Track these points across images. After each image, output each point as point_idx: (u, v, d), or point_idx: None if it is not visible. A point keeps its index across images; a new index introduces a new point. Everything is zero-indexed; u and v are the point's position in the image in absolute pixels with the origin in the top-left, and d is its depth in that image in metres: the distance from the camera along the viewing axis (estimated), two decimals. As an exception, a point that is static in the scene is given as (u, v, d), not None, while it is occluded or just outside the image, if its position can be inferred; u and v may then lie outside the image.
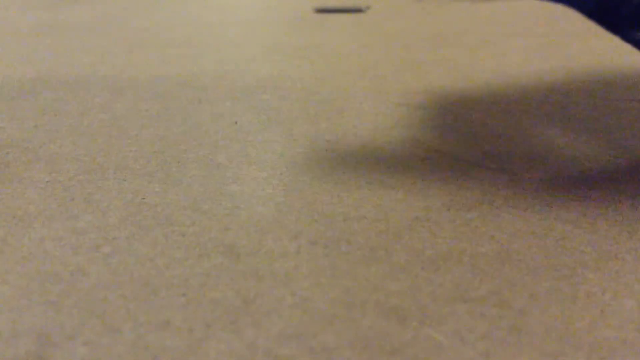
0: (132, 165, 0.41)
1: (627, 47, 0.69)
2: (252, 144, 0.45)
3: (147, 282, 0.29)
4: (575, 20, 0.82)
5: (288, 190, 0.38)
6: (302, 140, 0.45)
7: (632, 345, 0.25)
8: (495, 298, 0.28)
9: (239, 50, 0.71)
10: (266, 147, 0.44)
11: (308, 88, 0.57)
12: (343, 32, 0.79)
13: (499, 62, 0.65)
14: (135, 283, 0.29)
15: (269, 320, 0.27)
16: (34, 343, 0.26)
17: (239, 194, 0.37)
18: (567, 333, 0.25)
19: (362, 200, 0.36)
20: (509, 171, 0.40)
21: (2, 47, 0.74)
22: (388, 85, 0.57)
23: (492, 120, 0.48)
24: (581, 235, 0.33)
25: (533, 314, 0.27)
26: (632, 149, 0.43)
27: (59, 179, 0.40)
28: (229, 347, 0.25)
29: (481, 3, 0.96)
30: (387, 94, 0.55)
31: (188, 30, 0.82)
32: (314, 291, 0.28)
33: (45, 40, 0.77)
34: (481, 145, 0.44)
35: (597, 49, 0.69)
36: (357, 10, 0.93)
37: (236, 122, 0.49)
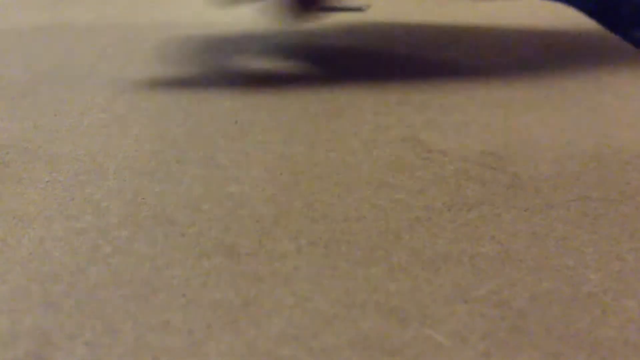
0: (132, 165, 0.41)
1: (627, 47, 0.69)
2: (252, 143, 0.45)
3: (147, 282, 0.29)
4: (576, 20, 0.82)
5: (288, 190, 0.38)
6: (302, 140, 0.45)
7: (634, 345, 0.25)
8: (496, 298, 0.28)
9: (238, 48, 0.71)
10: (266, 147, 0.44)
11: (308, 87, 0.57)
12: (343, 31, 0.79)
13: (499, 61, 0.65)
14: (135, 283, 0.29)
15: (269, 320, 0.27)
16: (34, 343, 0.26)
17: (239, 194, 0.37)
18: (568, 333, 0.25)
19: (362, 201, 0.36)
20: (509, 171, 0.40)
21: (2, 46, 0.74)
22: (388, 84, 0.57)
23: (493, 119, 0.48)
24: (582, 235, 0.33)
25: (534, 314, 0.27)
26: (633, 148, 0.43)
27: (58, 178, 0.40)
28: (229, 347, 0.25)
29: (482, 2, 0.96)
30: (387, 93, 0.55)
31: (188, 29, 0.82)
32: (314, 291, 0.28)
33: (45, 39, 0.78)
34: (482, 145, 0.44)
35: (597, 48, 0.69)
36: (357, 10, 0.93)
37: (236, 122, 0.49)
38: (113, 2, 1.05)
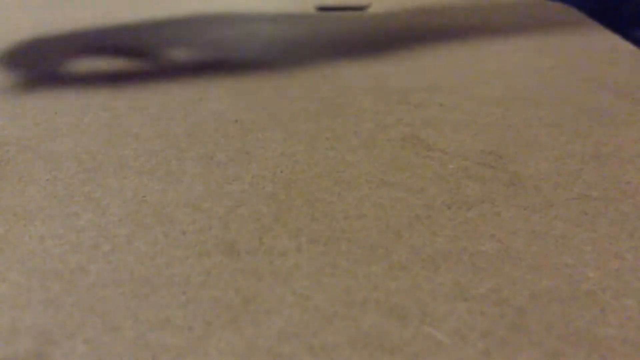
0: (132, 163, 0.41)
1: (627, 46, 0.69)
2: (252, 142, 0.45)
3: (147, 280, 0.29)
4: (576, 19, 0.82)
5: (288, 188, 0.38)
6: (302, 139, 0.45)
7: (633, 344, 0.25)
8: (496, 296, 0.28)
9: (238, 47, 0.71)
10: (266, 146, 0.44)
11: (308, 86, 0.57)
12: (344, 30, 0.79)
13: (499, 60, 0.65)
14: (135, 281, 0.29)
15: (269, 318, 0.27)
16: (34, 341, 0.26)
17: (240, 192, 0.37)
18: (567, 332, 0.25)
19: (362, 199, 0.36)
20: (509, 170, 0.40)
21: (2, 46, 0.74)
22: (388, 83, 0.57)
23: (493, 118, 0.48)
24: (581, 233, 0.33)
25: (533, 312, 0.27)
26: (632, 147, 0.43)
27: (59, 177, 0.40)
28: (229, 345, 0.25)
29: (481, 2, 0.96)
30: (387, 92, 0.55)
31: (188, 27, 0.82)
32: (314, 290, 0.28)
33: (45, 38, 0.77)
34: (482, 144, 0.44)
35: (597, 47, 0.69)
36: (358, 8, 0.93)
37: (236, 121, 0.49)
38: (114, 1, 1.05)
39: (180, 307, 0.27)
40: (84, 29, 0.79)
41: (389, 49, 0.69)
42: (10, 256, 0.31)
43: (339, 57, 0.66)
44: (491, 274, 0.29)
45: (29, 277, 0.30)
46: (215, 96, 0.54)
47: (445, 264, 0.30)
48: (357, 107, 0.51)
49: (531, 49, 0.68)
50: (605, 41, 0.71)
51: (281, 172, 0.40)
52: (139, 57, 0.68)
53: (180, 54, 0.68)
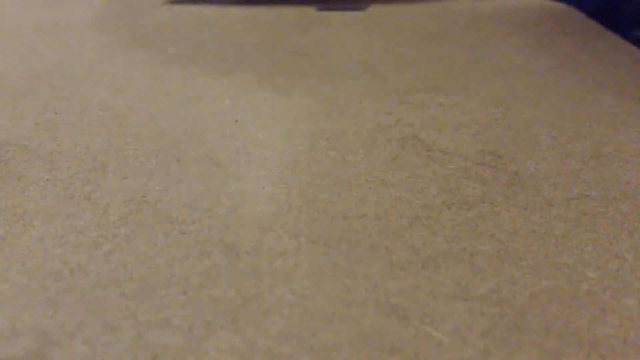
0: (132, 163, 0.41)
1: (627, 46, 0.69)
2: (252, 142, 0.45)
3: (147, 280, 0.29)
4: (576, 19, 0.82)
5: (288, 188, 0.38)
6: (302, 139, 0.45)
7: (632, 343, 0.25)
8: (496, 296, 0.28)
9: (238, 47, 0.71)
10: (266, 146, 0.44)
11: (308, 86, 0.57)
12: (344, 30, 0.79)
13: (499, 60, 0.65)
14: (135, 281, 0.29)
15: (268, 318, 0.27)
16: (34, 341, 0.26)
17: (239, 192, 0.37)
18: (567, 331, 0.25)
19: (362, 199, 0.36)
20: (509, 170, 0.40)
21: (2, 45, 0.74)
22: (389, 83, 0.57)
23: (493, 118, 0.48)
24: (581, 233, 0.33)
25: (533, 312, 0.27)
26: (632, 147, 0.43)
27: (59, 177, 0.40)
28: (229, 345, 0.25)
29: (481, 2, 0.96)
30: (387, 92, 0.55)
31: (188, 27, 0.82)
32: (314, 289, 0.28)
33: (45, 38, 0.77)
34: (481, 144, 0.44)
35: (597, 47, 0.69)
36: (358, 8, 0.93)
37: (236, 121, 0.49)
38: (114, 1, 1.05)
39: (180, 307, 0.27)
40: None
41: (388, 50, 0.69)
42: (10, 256, 0.31)
43: (340, 56, 0.66)
44: (491, 274, 0.29)
45: (28, 277, 0.30)
46: (215, 96, 0.54)
47: (445, 264, 0.30)
48: (357, 107, 0.51)
49: (531, 49, 0.68)
50: (605, 41, 0.71)
51: (281, 172, 0.40)
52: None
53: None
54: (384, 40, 0.74)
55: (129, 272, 0.30)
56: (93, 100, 0.54)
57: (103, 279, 0.29)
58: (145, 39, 0.76)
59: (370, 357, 0.24)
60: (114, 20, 0.89)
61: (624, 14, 0.87)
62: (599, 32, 0.76)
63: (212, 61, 0.67)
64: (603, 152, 0.42)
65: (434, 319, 0.26)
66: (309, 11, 0.93)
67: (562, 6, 0.90)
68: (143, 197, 0.37)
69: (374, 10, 0.92)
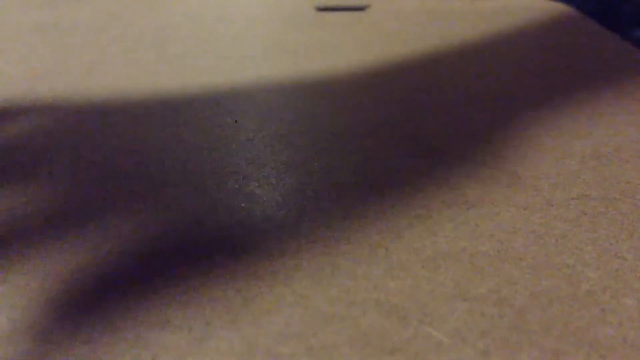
0: (132, 163, 0.41)
1: (627, 46, 0.69)
2: (251, 142, 0.45)
3: (148, 280, 0.29)
4: (576, 19, 0.82)
5: (288, 188, 0.38)
6: (301, 139, 0.45)
7: (632, 344, 0.25)
8: (495, 296, 0.28)
9: (238, 47, 0.71)
10: (266, 146, 0.44)
11: (308, 86, 0.57)
12: (344, 30, 0.79)
13: (499, 60, 0.65)
14: (135, 281, 0.29)
15: (268, 319, 0.27)
16: (34, 341, 0.26)
17: (239, 192, 0.37)
18: (567, 331, 0.25)
19: (361, 199, 0.36)
20: (509, 169, 0.40)
21: (3, 45, 0.74)
22: (388, 84, 0.57)
23: (492, 118, 0.48)
24: (581, 234, 0.33)
25: (533, 312, 0.27)
26: (632, 147, 0.43)
27: (59, 177, 0.40)
28: (229, 345, 0.25)
29: (481, 2, 0.96)
30: (387, 92, 0.55)
31: (187, 27, 0.82)
32: (314, 290, 0.28)
33: (45, 38, 0.77)
34: (481, 144, 0.44)
35: (597, 47, 0.69)
36: (358, 9, 0.93)
37: (236, 121, 0.49)
38: (113, 1, 1.05)
39: (180, 307, 0.27)
40: None
41: (387, 50, 0.69)
42: (11, 256, 0.31)
43: (340, 57, 0.66)
44: (491, 274, 0.29)
45: (28, 278, 0.30)
46: (216, 96, 0.54)
47: (445, 264, 0.30)
48: (357, 106, 0.51)
49: (531, 49, 0.68)
50: (605, 41, 0.71)
51: (279, 172, 0.40)
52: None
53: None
54: (384, 40, 0.74)
55: (129, 273, 0.30)
56: (92, 100, 0.54)
57: (103, 280, 0.29)
58: (144, 39, 0.76)
59: (370, 357, 0.24)
60: (114, 20, 0.89)
61: (624, 14, 0.87)
62: (599, 32, 0.76)
63: (211, 64, 0.67)
64: (603, 152, 0.42)
65: (433, 319, 0.26)
66: (309, 11, 0.93)
67: (562, 6, 0.90)
68: (143, 196, 0.37)
69: (374, 10, 0.92)
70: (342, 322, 0.26)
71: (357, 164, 0.41)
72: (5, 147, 0.44)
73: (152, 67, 0.64)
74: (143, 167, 0.41)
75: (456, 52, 0.68)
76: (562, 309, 0.27)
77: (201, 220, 0.34)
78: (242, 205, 0.35)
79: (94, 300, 0.28)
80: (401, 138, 0.45)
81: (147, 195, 0.37)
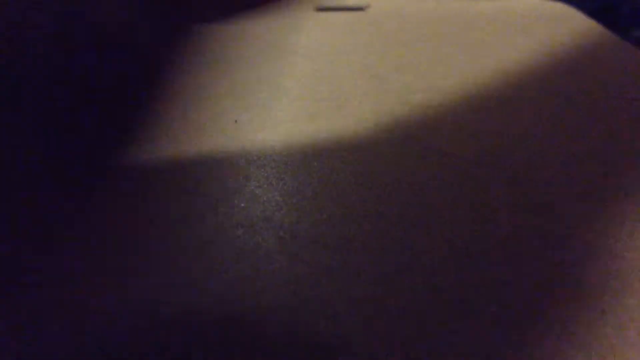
0: (131, 162, 0.41)
1: (627, 46, 0.69)
2: (251, 142, 0.45)
3: (149, 280, 0.29)
4: (576, 19, 0.82)
5: (287, 189, 0.38)
6: (301, 139, 0.45)
7: (632, 344, 0.25)
8: (496, 297, 0.28)
9: (238, 48, 0.71)
10: (266, 146, 0.44)
11: (308, 86, 0.57)
12: (344, 31, 0.79)
13: (499, 60, 0.65)
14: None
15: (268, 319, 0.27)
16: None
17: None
18: (567, 332, 0.25)
19: (361, 199, 0.36)
20: (509, 170, 0.40)
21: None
22: (388, 84, 0.57)
23: (491, 118, 0.48)
24: (581, 234, 0.33)
25: (533, 313, 0.27)
26: (632, 146, 0.43)
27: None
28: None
29: (481, 2, 0.96)
30: (386, 93, 0.55)
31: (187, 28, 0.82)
32: (314, 290, 0.28)
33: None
34: (480, 144, 0.44)
35: (597, 47, 0.69)
36: (358, 9, 0.93)
37: (236, 121, 0.49)
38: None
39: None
40: None
41: (387, 50, 0.69)
42: (9, 257, 0.31)
43: (340, 57, 0.66)
44: (491, 274, 0.29)
45: (28, 278, 0.30)
46: (215, 96, 0.54)
47: (445, 265, 0.30)
48: (357, 107, 0.51)
49: (531, 49, 0.68)
50: (604, 41, 0.71)
51: (279, 172, 0.40)
52: None
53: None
54: (384, 41, 0.74)
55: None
56: (92, 101, 0.54)
57: (103, 280, 0.29)
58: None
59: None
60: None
61: (623, 14, 0.87)
62: (599, 32, 0.76)
63: (212, 66, 0.66)
64: (603, 152, 0.42)
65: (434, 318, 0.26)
66: (309, 11, 0.93)
67: (562, 6, 0.90)
68: (142, 196, 0.37)
69: (374, 10, 0.92)
70: (345, 320, 0.26)
71: (357, 164, 0.41)
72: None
73: (155, 68, 0.63)
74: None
75: (455, 52, 0.68)
76: (563, 310, 0.27)
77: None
78: None
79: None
80: (401, 138, 0.45)
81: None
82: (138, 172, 0.39)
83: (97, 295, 0.28)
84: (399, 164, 0.41)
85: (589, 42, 0.71)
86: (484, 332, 0.26)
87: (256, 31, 0.80)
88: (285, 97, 0.54)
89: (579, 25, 0.79)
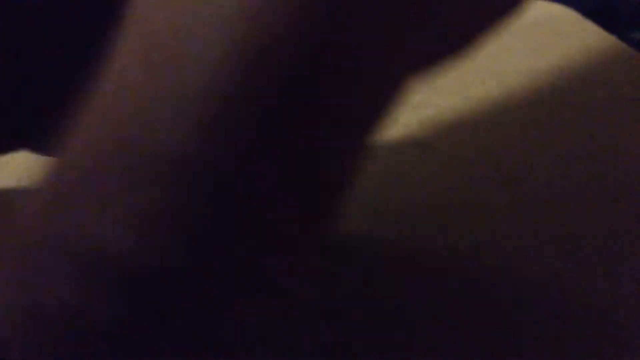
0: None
1: (624, 47, 0.69)
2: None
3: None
4: (573, 20, 0.83)
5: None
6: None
7: (632, 345, 0.25)
8: (495, 297, 0.28)
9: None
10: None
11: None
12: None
13: (497, 61, 0.65)
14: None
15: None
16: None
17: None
18: (567, 333, 0.25)
19: (362, 199, 0.36)
20: (508, 170, 0.40)
21: None
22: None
23: (491, 119, 0.48)
24: (581, 233, 0.33)
25: (533, 314, 0.27)
26: (631, 147, 0.43)
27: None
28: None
29: (479, 3, 0.96)
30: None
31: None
32: (314, 291, 0.28)
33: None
34: (480, 145, 0.44)
35: (594, 49, 0.69)
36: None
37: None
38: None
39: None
40: None
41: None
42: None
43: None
44: (491, 275, 0.29)
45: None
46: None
47: (445, 266, 0.30)
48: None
49: (527, 50, 0.68)
50: (602, 43, 0.71)
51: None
52: None
53: None
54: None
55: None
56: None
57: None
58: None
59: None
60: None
61: (621, 16, 0.87)
62: (597, 33, 0.76)
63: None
64: (602, 152, 0.42)
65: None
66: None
67: (560, 7, 0.90)
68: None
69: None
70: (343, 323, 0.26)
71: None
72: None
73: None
74: None
75: (454, 53, 0.68)
76: (562, 311, 0.27)
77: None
78: None
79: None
80: (400, 138, 0.45)
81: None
82: None
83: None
84: (398, 164, 0.41)
85: (585, 44, 0.71)
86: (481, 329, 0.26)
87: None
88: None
89: (577, 26, 0.79)
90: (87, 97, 0.12)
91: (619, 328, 0.26)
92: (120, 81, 0.11)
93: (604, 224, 0.33)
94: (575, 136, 0.45)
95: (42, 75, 0.18)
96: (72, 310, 0.09)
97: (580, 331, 0.26)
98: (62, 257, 0.09)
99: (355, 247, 0.31)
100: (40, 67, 0.18)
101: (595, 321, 0.26)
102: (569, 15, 0.86)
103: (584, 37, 0.74)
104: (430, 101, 0.53)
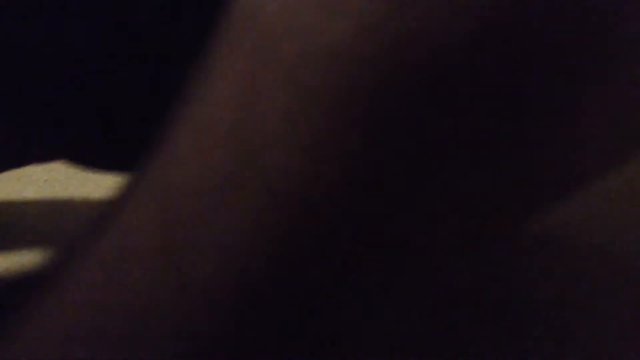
0: (130, 164, 0.41)
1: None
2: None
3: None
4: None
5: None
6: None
7: (632, 345, 0.25)
8: (495, 297, 0.28)
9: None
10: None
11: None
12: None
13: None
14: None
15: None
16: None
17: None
18: (567, 333, 0.25)
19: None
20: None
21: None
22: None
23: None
24: (581, 234, 0.33)
25: (532, 314, 0.27)
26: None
27: (57, 177, 0.40)
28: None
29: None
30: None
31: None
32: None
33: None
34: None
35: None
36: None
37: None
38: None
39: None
40: None
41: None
42: (8, 257, 0.31)
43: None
44: (490, 277, 0.29)
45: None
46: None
47: (445, 266, 0.30)
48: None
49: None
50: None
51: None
52: None
53: None
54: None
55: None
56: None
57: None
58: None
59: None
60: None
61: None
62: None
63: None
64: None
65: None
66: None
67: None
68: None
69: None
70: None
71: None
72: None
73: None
74: None
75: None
76: (562, 311, 0.27)
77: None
78: None
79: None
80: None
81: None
82: None
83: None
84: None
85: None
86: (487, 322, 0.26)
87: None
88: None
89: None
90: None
91: (619, 328, 0.26)
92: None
93: (604, 224, 0.33)
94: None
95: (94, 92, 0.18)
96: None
97: (580, 331, 0.25)
98: None
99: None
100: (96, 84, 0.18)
101: (595, 321, 0.26)
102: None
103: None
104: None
